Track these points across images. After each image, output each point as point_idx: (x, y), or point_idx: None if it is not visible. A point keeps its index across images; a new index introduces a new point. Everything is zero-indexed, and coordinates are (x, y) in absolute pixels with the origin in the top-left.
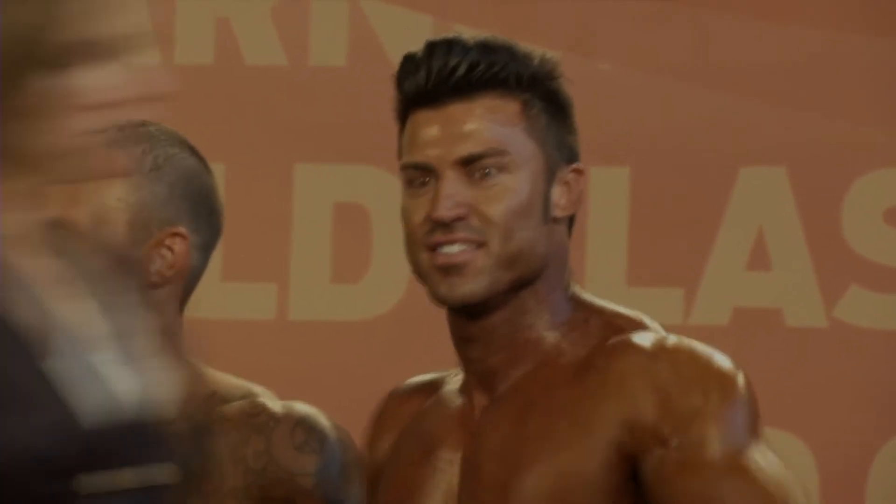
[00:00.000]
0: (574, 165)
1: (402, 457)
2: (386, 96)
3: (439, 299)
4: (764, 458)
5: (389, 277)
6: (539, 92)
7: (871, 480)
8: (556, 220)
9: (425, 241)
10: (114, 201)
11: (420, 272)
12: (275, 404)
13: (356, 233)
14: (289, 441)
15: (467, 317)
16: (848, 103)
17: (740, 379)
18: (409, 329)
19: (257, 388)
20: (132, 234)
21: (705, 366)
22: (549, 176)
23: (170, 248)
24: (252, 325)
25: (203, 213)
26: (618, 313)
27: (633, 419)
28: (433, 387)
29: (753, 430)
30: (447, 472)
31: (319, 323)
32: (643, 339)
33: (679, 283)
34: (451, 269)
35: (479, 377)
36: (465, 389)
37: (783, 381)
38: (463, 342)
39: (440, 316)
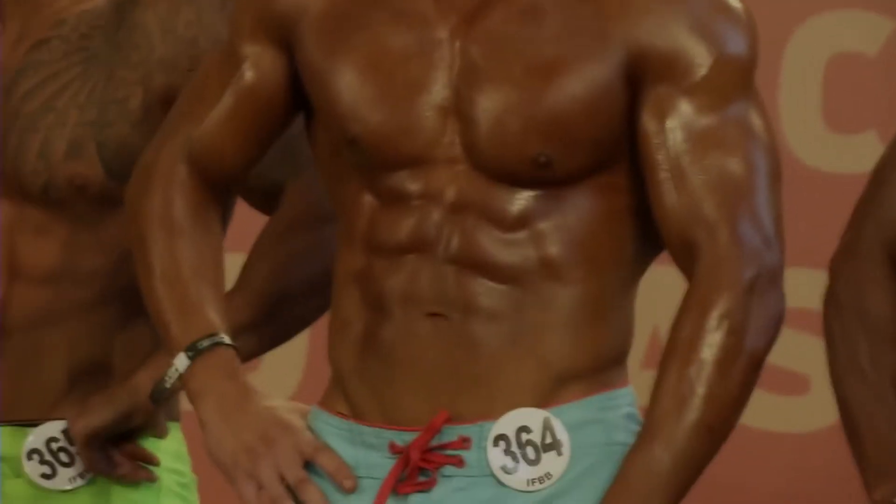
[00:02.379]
0: None
1: (365, 18)
2: None
3: None
4: (761, 119)
5: None
6: None
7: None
8: None
9: None
10: None
11: None
12: None
13: None
14: (220, 12)
15: None
16: None
17: (745, 8)
18: None
19: None
20: None
21: (737, 11)
22: None
23: None
24: None
25: None
26: None
27: (647, 45)
28: None
29: (752, 88)
30: (441, 51)
31: None
32: None
33: None
34: None
35: None
36: None
37: None
38: None
39: None
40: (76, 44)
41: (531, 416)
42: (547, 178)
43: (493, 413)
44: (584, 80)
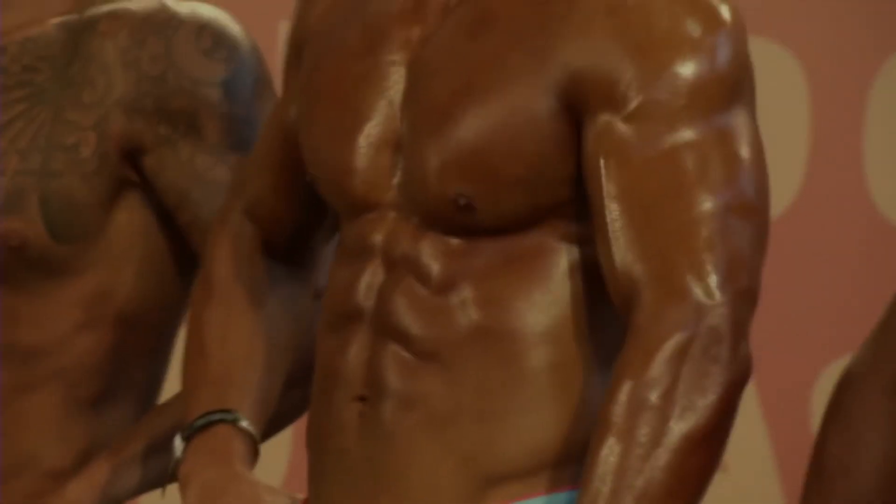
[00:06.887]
0: None
1: (339, 38)
2: None
3: None
4: (736, 141)
5: None
6: None
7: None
8: None
9: None
10: None
11: None
12: (178, 5)
13: None
14: (193, 45)
15: None
16: None
17: (730, 13)
18: None
19: None
20: None
21: (709, 10)
22: None
23: None
24: None
25: None
26: None
27: (587, 66)
28: None
29: (728, 104)
30: (391, 76)
31: None
32: None
33: None
34: None
35: None
36: None
37: None
38: None
39: None
40: (18, 77)
41: None
42: (476, 226)
43: None
44: (508, 108)
